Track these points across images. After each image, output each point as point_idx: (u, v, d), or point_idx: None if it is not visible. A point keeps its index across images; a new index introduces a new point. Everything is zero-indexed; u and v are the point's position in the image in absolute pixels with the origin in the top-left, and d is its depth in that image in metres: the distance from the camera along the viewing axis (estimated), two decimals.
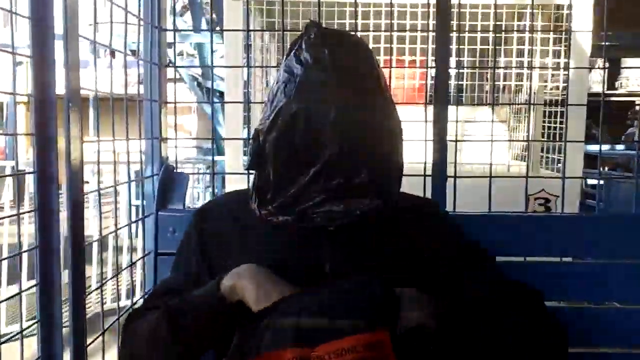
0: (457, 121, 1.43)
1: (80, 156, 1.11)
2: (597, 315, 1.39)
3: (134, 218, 3.94)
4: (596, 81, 7.33)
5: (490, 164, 1.45)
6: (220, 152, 5.59)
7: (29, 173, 1.08)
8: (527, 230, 1.39)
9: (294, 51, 0.97)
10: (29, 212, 1.10)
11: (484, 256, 1.09)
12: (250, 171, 1.05)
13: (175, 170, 1.50)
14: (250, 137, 1.01)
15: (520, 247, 1.39)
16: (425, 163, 1.42)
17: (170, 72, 1.56)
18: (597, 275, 1.38)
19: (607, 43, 1.57)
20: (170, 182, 1.46)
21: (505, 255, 1.37)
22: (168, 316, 0.93)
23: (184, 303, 0.95)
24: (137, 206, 4.30)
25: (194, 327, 0.92)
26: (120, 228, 1.54)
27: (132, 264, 1.46)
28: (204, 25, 7.32)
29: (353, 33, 1.09)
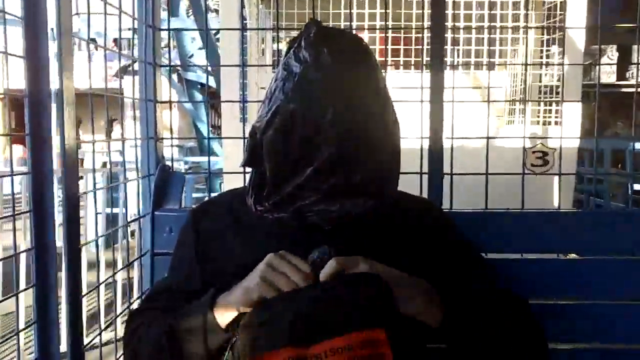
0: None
1: (75, 156, 1.11)
2: (595, 311, 1.39)
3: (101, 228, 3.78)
4: (605, 72, 6.89)
5: (487, 162, 1.44)
6: (205, 151, 5.32)
7: (24, 174, 1.08)
8: (524, 227, 1.39)
9: (293, 49, 0.96)
10: (24, 212, 1.10)
11: (477, 260, 1.09)
12: (247, 170, 1.05)
13: (171, 170, 1.49)
14: (247, 134, 1.01)
15: (517, 244, 1.39)
16: (421, 161, 1.42)
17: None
18: (594, 271, 1.38)
19: (619, 25, 1.51)
20: (166, 182, 1.46)
21: (503, 253, 1.38)
22: (167, 338, 0.94)
23: (182, 328, 0.95)
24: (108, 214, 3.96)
25: (193, 349, 0.93)
26: (117, 229, 1.54)
27: (129, 264, 1.46)
28: (182, 12, 7.04)
29: (353, 32, 1.08)
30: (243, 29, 1.45)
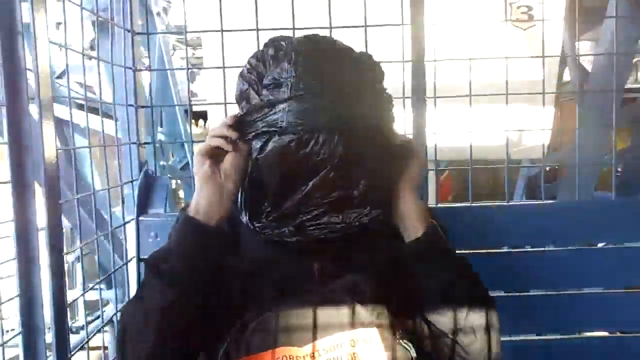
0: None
1: (56, 164, 1.10)
2: (581, 301, 1.40)
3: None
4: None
5: (471, 156, 1.45)
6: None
7: (4, 183, 1.06)
8: (510, 220, 1.40)
9: (278, 66, 0.93)
10: (6, 222, 1.08)
11: None
12: None
13: (154, 175, 1.48)
14: None
15: (503, 238, 1.40)
16: None
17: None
18: (578, 261, 1.39)
19: None
20: (150, 187, 1.45)
21: (489, 247, 1.38)
22: (151, 265, 0.92)
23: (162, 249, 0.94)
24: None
25: (178, 262, 0.90)
26: (103, 234, 1.53)
27: (114, 271, 1.45)
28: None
29: (336, 40, 1.03)
30: (222, 30, 1.43)
